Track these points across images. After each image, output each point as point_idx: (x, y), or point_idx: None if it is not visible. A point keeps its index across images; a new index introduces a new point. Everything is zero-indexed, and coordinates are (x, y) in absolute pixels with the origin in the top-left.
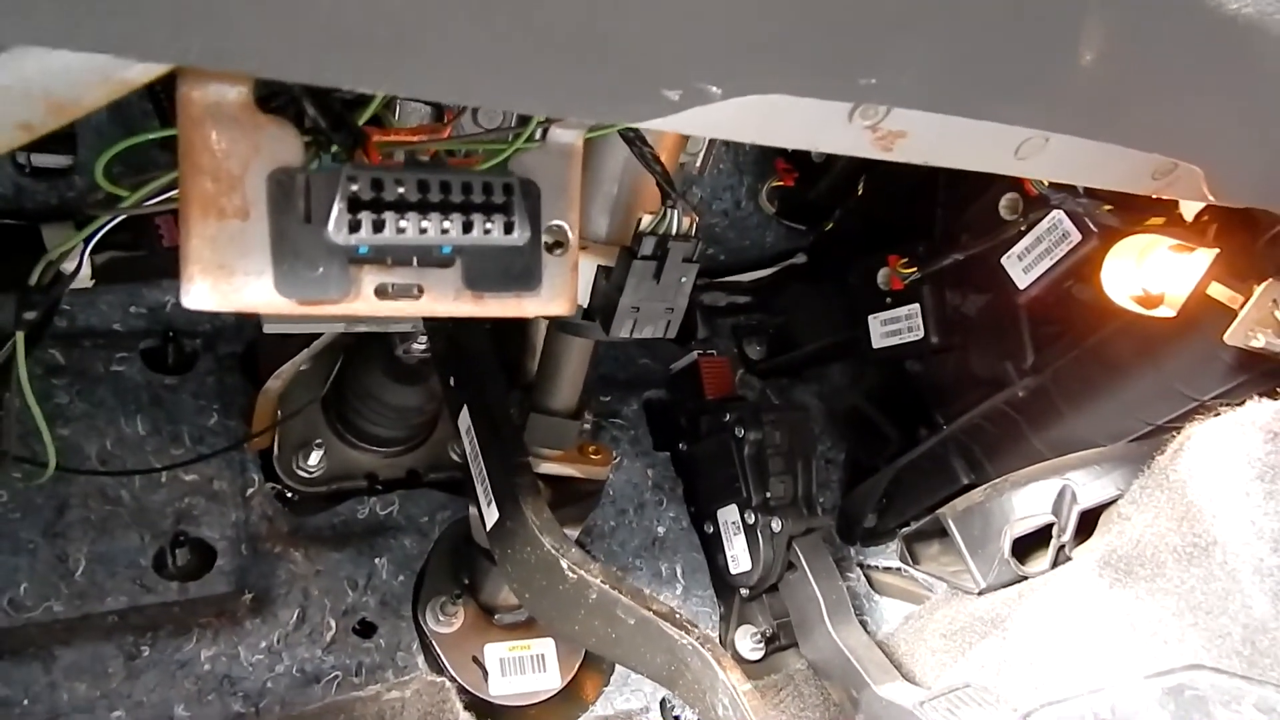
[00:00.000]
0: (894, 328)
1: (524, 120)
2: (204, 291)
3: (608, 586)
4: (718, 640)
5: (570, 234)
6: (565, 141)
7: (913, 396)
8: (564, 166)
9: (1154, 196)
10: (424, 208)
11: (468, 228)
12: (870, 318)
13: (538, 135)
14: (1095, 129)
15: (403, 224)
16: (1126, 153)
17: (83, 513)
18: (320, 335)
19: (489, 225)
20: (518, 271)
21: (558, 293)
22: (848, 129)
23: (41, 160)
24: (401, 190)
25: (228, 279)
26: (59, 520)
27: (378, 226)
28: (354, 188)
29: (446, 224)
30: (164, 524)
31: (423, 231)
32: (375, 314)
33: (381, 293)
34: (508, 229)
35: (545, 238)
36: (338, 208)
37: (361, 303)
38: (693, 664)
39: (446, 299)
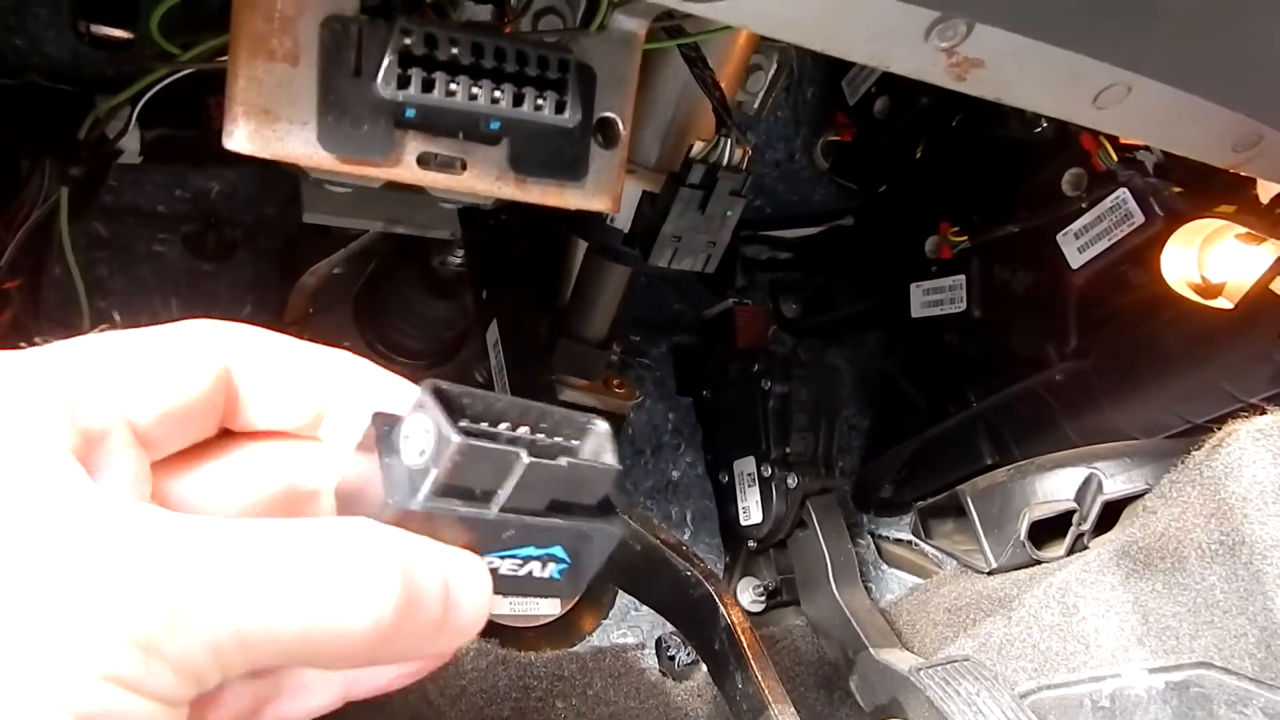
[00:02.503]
0: (936, 298)
1: (589, 16)
2: (245, 136)
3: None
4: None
5: (622, 129)
6: (628, 30)
7: (946, 370)
8: (623, 57)
9: (1232, 171)
10: (476, 73)
11: (518, 100)
12: (913, 285)
13: (603, 17)
14: (1183, 76)
15: (453, 86)
16: (1211, 113)
17: None
18: (357, 237)
19: (540, 101)
20: (565, 159)
21: (602, 188)
22: (922, 48)
23: (101, 30)
24: (455, 50)
25: (271, 125)
26: None
27: (427, 86)
28: (407, 41)
29: (497, 93)
30: None
31: (472, 98)
32: (416, 182)
33: (424, 162)
34: (559, 108)
35: (595, 130)
36: (389, 60)
37: (403, 168)
38: (694, 596)
39: (489, 177)
